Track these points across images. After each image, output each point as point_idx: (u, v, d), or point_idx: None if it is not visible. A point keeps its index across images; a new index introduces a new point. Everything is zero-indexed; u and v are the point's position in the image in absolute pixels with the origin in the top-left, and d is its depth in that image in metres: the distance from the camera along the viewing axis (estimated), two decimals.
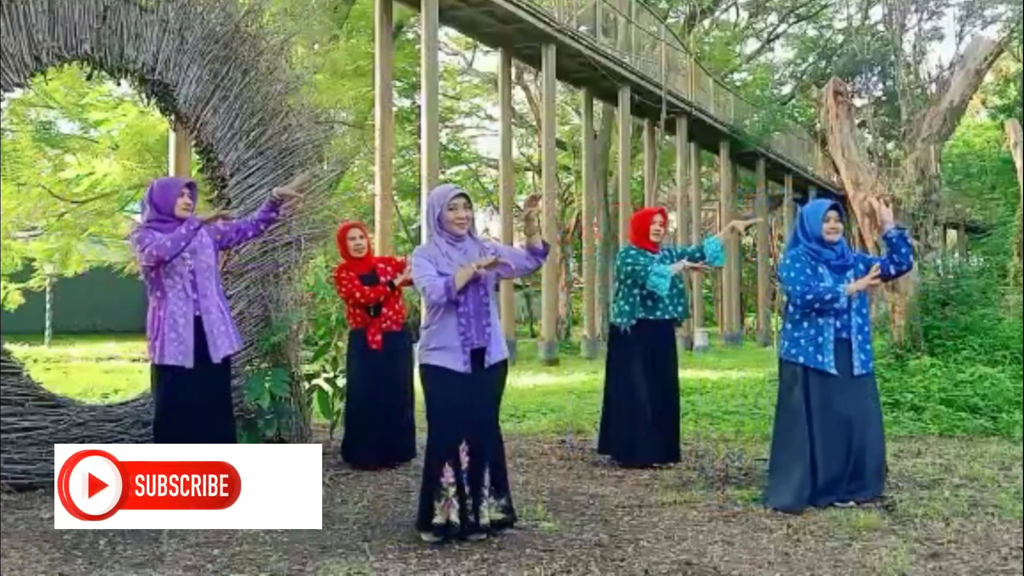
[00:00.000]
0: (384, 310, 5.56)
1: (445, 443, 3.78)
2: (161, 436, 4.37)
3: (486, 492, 3.82)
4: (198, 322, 4.42)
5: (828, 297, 4.38)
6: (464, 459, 3.77)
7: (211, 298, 4.49)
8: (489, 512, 3.82)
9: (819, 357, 4.44)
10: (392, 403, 5.54)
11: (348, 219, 5.96)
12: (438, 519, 3.76)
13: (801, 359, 4.48)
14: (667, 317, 5.55)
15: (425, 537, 3.81)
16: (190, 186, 4.57)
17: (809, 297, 4.39)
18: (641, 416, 5.52)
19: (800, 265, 4.50)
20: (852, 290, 4.40)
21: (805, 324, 4.48)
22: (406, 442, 5.66)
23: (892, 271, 4.60)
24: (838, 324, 4.46)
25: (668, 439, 5.59)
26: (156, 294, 4.42)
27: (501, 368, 3.95)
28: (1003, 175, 18.75)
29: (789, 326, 4.59)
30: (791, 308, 4.56)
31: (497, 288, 4.23)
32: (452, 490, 3.75)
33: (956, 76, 9.90)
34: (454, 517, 3.75)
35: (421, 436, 5.72)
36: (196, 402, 4.36)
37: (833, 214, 4.53)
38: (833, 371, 4.43)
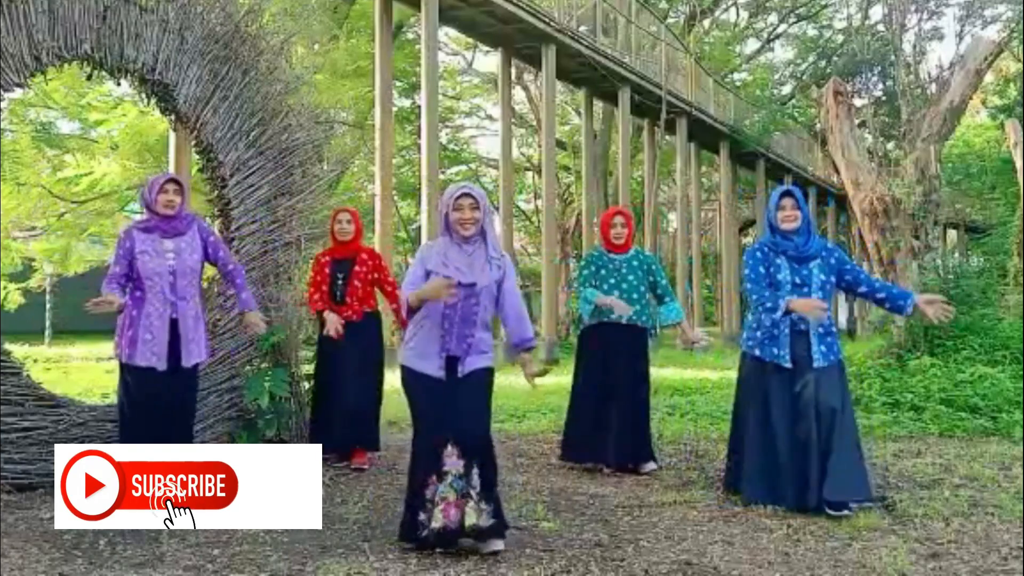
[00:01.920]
0: (347, 299, 5.51)
1: (428, 447, 3.66)
2: (127, 438, 4.24)
3: (474, 496, 3.61)
4: (174, 325, 4.32)
5: (769, 306, 4.33)
6: (457, 462, 3.59)
7: (189, 302, 4.39)
8: (478, 517, 3.60)
9: (774, 350, 4.39)
10: (356, 391, 5.48)
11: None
12: (424, 532, 3.62)
13: (757, 351, 4.45)
14: (604, 320, 5.40)
15: (408, 544, 3.70)
16: (174, 181, 4.45)
17: (754, 298, 4.42)
18: (577, 414, 5.53)
19: (755, 261, 4.46)
20: (794, 306, 4.24)
21: (762, 316, 4.43)
22: (367, 434, 5.59)
23: (865, 291, 4.50)
24: (794, 316, 4.34)
25: (613, 442, 5.35)
26: (135, 293, 4.32)
27: (482, 376, 3.75)
28: (1003, 175, 18.77)
29: (749, 317, 4.59)
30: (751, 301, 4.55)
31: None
32: (440, 503, 3.60)
33: (956, 76, 9.92)
34: (436, 524, 3.58)
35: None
36: (164, 403, 4.25)
37: (787, 202, 4.42)
38: (788, 364, 4.34)
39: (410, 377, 3.76)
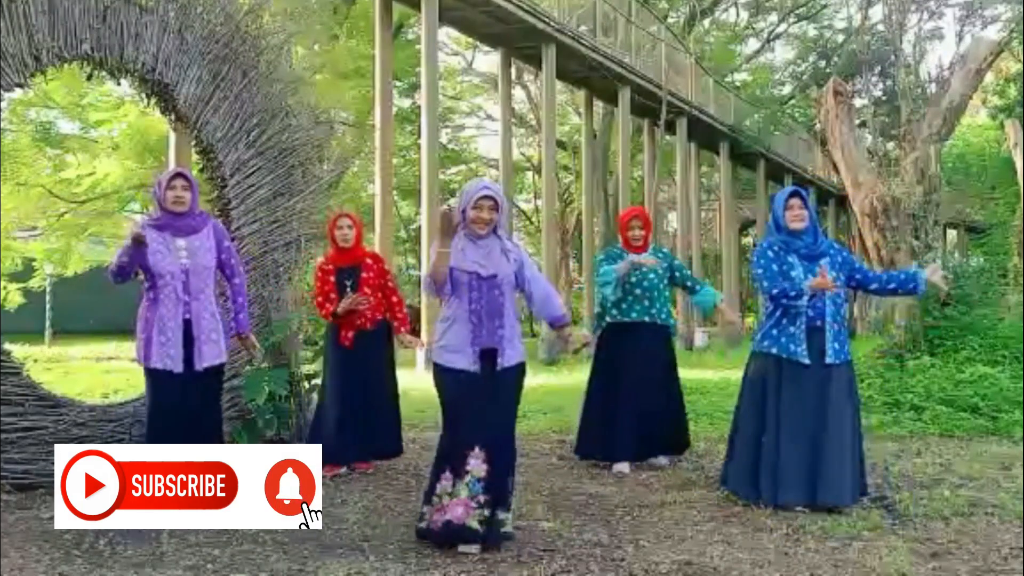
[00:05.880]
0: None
1: (454, 446, 3.69)
2: (152, 440, 4.18)
3: (483, 500, 3.63)
4: (188, 326, 4.22)
5: (792, 294, 4.35)
6: (482, 467, 3.62)
7: (203, 302, 4.28)
8: (489, 521, 3.65)
9: (792, 347, 4.40)
10: (369, 401, 5.31)
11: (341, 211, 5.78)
12: (422, 524, 3.74)
13: (774, 350, 4.45)
14: (627, 319, 5.43)
15: (415, 540, 3.76)
16: (182, 176, 4.32)
17: (775, 292, 4.41)
18: (590, 411, 5.56)
19: (767, 259, 4.48)
20: (813, 285, 4.29)
21: (778, 314, 4.45)
22: (387, 439, 5.42)
23: (876, 287, 4.60)
24: (811, 312, 4.39)
25: (622, 436, 5.40)
26: (149, 294, 4.24)
27: (516, 373, 3.81)
28: (1003, 175, 18.78)
29: (764, 318, 4.59)
30: (765, 301, 4.56)
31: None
32: (445, 498, 3.64)
33: (956, 76, 9.92)
34: (439, 517, 3.65)
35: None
36: (185, 406, 4.16)
37: (795, 201, 4.48)
38: (806, 360, 4.37)
39: (442, 373, 3.76)
